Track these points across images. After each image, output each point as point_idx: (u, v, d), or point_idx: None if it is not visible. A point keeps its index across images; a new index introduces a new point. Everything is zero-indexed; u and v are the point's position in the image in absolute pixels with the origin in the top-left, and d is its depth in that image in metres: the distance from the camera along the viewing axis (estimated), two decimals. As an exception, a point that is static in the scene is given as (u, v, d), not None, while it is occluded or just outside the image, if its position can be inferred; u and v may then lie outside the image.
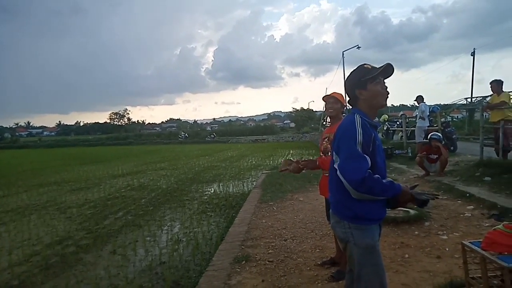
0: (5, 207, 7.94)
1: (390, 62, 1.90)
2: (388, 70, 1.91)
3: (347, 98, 2.05)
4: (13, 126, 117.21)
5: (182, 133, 49.01)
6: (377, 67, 1.93)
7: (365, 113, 1.91)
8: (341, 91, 3.56)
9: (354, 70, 1.98)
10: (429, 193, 1.91)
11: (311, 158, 3.40)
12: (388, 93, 1.92)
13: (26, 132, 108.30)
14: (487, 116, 9.59)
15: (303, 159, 3.31)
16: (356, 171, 1.73)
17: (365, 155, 1.76)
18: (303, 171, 3.29)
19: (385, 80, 1.95)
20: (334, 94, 3.25)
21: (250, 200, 6.69)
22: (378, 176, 1.75)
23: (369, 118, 1.91)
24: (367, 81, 1.89)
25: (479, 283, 2.42)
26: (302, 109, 55.35)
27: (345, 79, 2.02)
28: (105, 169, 15.09)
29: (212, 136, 45.60)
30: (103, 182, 11.19)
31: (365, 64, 1.96)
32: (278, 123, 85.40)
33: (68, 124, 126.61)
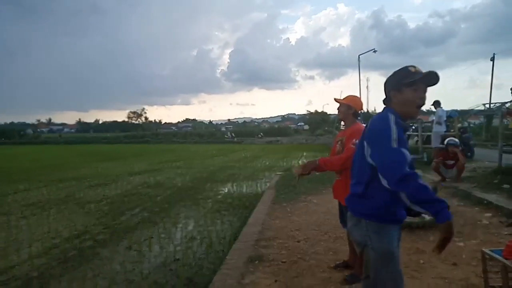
0: (26, 201, 8.18)
1: (434, 70, 1.76)
2: (431, 77, 1.78)
3: (385, 98, 1.92)
4: (35, 123, 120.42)
5: (229, 133, 48.28)
6: (423, 72, 1.79)
7: (397, 112, 1.81)
8: (356, 94, 3.52)
9: (398, 69, 1.87)
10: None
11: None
12: (423, 103, 1.80)
13: (47, 129, 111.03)
14: (506, 123, 9.36)
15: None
16: (396, 167, 1.61)
17: (401, 149, 1.65)
18: (316, 173, 3.26)
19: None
20: (346, 98, 3.23)
21: (263, 201, 6.71)
22: (426, 184, 1.59)
23: (400, 117, 1.80)
24: (403, 85, 1.78)
25: (499, 292, 2.38)
26: (316, 112, 55.00)
27: (388, 77, 1.91)
28: (123, 167, 15.35)
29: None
30: (120, 179, 11.40)
31: (409, 66, 1.82)
32: (292, 125, 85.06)
33: (87, 121, 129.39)
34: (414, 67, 1.80)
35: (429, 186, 1.60)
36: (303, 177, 3.10)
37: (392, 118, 1.75)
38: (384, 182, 1.69)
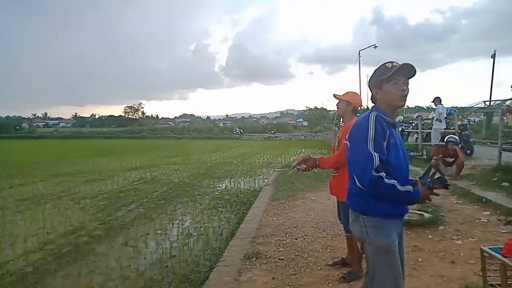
0: (21, 196, 8.11)
1: (408, 62, 1.82)
2: (406, 69, 1.84)
3: (371, 96, 2.00)
4: (31, 117, 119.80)
5: (237, 128, 45.72)
6: (396, 63, 1.86)
7: (384, 110, 1.87)
8: (356, 90, 3.50)
9: (376, 68, 1.93)
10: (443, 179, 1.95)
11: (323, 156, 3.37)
12: (405, 94, 1.85)
13: (43, 123, 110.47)
14: (506, 120, 9.36)
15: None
16: (363, 171, 1.73)
17: (374, 152, 1.73)
18: (315, 170, 3.27)
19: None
20: (345, 94, 3.20)
21: (261, 197, 6.69)
22: (392, 183, 1.71)
23: (388, 115, 1.87)
24: (383, 81, 1.85)
25: (497, 291, 2.36)
26: (316, 108, 55.04)
27: (370, 77, 1.98)
28: (119, 162, 15.29)
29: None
30: (116, 175, 11.34)
31: (386, 62, 1.88)
32: (291, 121, 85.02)
33: (83, 116, 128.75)
34: (391, 62, 1.85)
35: (395, 184, 1.72)
36: (300, 171, 3.13)
37: (373, 117, 1.81)
38: (358, 183, 1.79)
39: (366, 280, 1.92)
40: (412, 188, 1.77)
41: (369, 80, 1.97)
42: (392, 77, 1.82)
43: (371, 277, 1.85)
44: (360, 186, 1.77)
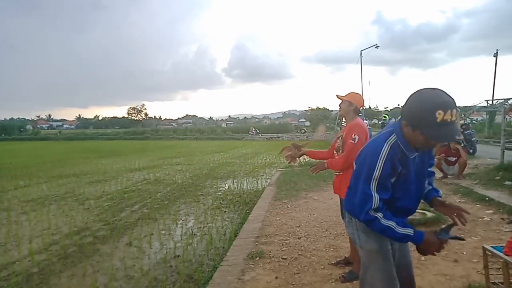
0: (26, 197, 8.18)
1: (456, 134, 1.52)
2: (451, 135, 1.54)
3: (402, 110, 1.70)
4: (35, 119, 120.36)
5: (253, 128, 45.00)
6: (451, 120, 1.49)
7: (405, 140, 1.65)
8: (358, 90, 3.54)
9: (423, 101, 1.54)
10: (457, 235, 1.77)
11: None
12: (431, 146, 1.67)
13: (47, 125, 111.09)
14: (508, 119, 9.33)
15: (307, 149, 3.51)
16: (360, 208, 1.67)
17: (375, 193, 1.63)
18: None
19: None
20: (348, 94, 3.22)
21: (264, 197, 6.70)
22: (388, 225, 1.63)
23: (408, 147, 1.65)
24: (421, 127, 1.54)
25: (500, 289, 2.37)
26: (318, 108, 54.95)
27: (411, 99, 1.59)
28: (122, 163, 15.35)
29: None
30: (120, 175, 11.39)
31: (440, 109, 1.48)
32: (293, 122, 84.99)
33: (87, 117, 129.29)
34: (444, 111, 1.47)
35: (392, 226, 1.63)
36: (294, 161, 3.45)
37: (386, 150, 1.63)
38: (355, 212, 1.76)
39: (359, 282, 1.91)
40: (412, 232, 1.65)
41: (407, 107, 1.61)
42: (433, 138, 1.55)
43: (362, 280, 1.85)
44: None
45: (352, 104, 3.14)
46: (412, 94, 1.60)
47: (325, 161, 3.24)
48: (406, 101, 1.62)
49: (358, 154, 1.82)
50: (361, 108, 3.24)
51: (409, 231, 1.65)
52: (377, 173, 1.62)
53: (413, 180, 1.73)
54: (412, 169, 1.70)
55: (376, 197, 1.64)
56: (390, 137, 1.66)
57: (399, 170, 1.65)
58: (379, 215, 1.64)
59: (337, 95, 3.27)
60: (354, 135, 2.94)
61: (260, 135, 40.17)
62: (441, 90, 1.55)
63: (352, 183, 1.81)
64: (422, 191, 1.84)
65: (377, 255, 1.77)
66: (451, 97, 1.52)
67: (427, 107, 1.50)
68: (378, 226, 1.65)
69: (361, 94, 3.32)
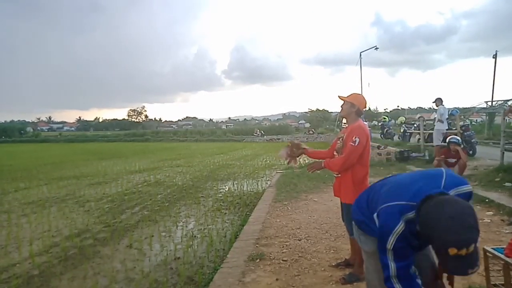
0: (26, 199, 8.18)
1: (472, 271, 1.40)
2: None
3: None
4: (35, 121, 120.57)
5: (258, 130, 44.40)
6: (466, 250, 1.34)
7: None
8: (358, 91, 3.54)
9: (440, 227, 1.38)
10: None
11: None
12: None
13: (47, 127, 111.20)
14: (508, 120, 9.34)
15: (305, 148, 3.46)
16: (384, 275, 1.65)
17: (391, 263, 1.59)
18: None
19: None
20: (350, 96, 3.21)
21: (264, 199, 6.70)
22: (418, 285, 1.62)
23: None
24: (432, 246, 1.48)
25: (501, 291, 2.37)
26: (318, 109, 55.01)
27: (428, 215, 1.44)
28: (123, 165, 15.35)
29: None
30: (120, 177, 11.40)
31: (452, 246, 1.34)
32: (293, 123, 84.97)
33: (87, 119, 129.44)
34: (458, 249, 1.34)
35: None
36: (294, 162, 3.41)
37: (400, 228, 1.55)
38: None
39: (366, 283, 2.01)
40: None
41: (426, 223, 1.45)
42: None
43: (366, 280, 1.95)
44: None
45: (354, 106, 3.11)
46: (431, 210, 1.43)
47: (322, 160, 3.21)
48: (424, 214, 1.46)
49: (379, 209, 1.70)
50: (363, 109, 3.23)
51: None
52: (389, 246, 1.57)
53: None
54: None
55: (392, 266, 1.59)
56: (409, 213, 1.55)
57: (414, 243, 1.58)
58: (398, 286, 1.60)
59: (339, 96, 3.24)
60: (355, 137, 2.93)
61: (265, 136, 39.97)
62: (463, 212, 1.39)
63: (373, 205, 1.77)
64: None
65: (374, 257, 1.79)
66: (473, 225, 1.37)
67: (441, 241, 1.37)
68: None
69: (363, 96, 3.31)
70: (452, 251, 1.33)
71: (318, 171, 3.32)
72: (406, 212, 1.55)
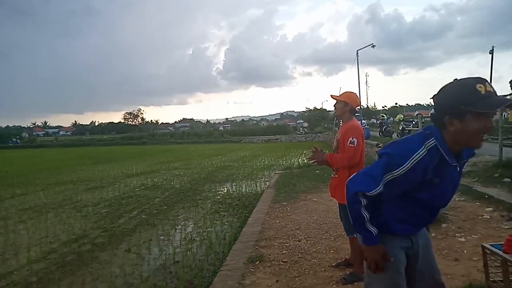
0: (23, 205, 8.12)
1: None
2: (502, 101, 1.38)
3: (433, 115, 1.50)
4: (31, 126, 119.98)
5: (301, 128, 44.68)
6: (494, 91, 1.35)
7: (449, 145, 1.43)
8: (355, 90, 3.50)
9: (459, 84, 1.39)
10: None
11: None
12: (486, 133, 1.42)
13: (43, 132, 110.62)
14: (506, 116, 9.36)
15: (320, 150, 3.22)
16: (354, 186, 1.52)
17: (381, 183, 1.46)
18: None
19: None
20: (343, 94, 3.19)
21: (263, 200, 6.68)
22: (365, 216, 1.51)
23: (449, 154, 1.44)
24: (468, 112, 1.34)
25: (500, 287, 2.36)
26: (315, 108, 55.08)
27: (444, 91, 1.43)
28: (120, 169, 15.29)
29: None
30: (117, 181, 11.34)
31: (479, 82, 1.34)
32: (291, 123, 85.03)
33: (83, 124, 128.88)
34: (483, 84, 1.34)
35: (366, 219, 1.51)
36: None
37: (421, 154, 1.42)
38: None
39: None
40: (375, 232, 1.53)
41: (443, 99, 1.42)
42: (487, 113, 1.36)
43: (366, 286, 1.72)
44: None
45: (347, 104, 3.09)
46: (441, 89, 1.44)
47: (326, 151, 3.11)
48: (439, 97, 1.44)
49: (386, 146, 1.60)
50: (358, 107, 3.21)
51: (374, 230, 1.53)
52: (399, 171, 1.42)
53: (444, 190, 1.53)
54: (449, 179, 1.51)
55: (379, 189, 1.47)
56: (429, 141, 1.44)
57: (428, 178, 1.44)
58: (364, 201, 1.50)
59: (331, 96, 3.22)
60: (353, 138, 2.91)
61: (308, 134, 39.46)
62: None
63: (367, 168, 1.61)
64: (447, 202, 1.64)
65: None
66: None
67: (467, 87, 1.35)
68: (355, 211, 1.52)
69: (356, 93, 3.29)
70: (481, 87, 1.32)
71: (319, 165, 3.24)
72: (426, 139, 1.45)
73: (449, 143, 1.43)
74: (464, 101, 1.33)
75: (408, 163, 1.41)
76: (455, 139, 1.42)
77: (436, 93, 1.46)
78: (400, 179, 1.44)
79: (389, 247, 1.59)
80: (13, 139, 57.53)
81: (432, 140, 1.44)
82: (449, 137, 1.42)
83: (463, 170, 1.66)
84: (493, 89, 1.35)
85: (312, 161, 3.18)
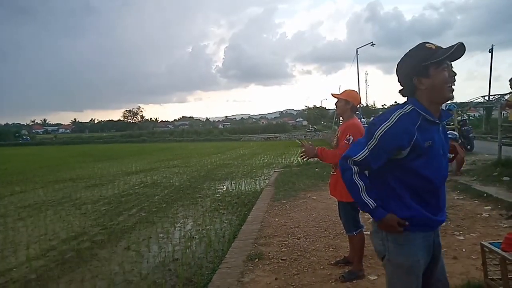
0: (22, 203, 8.12)
1: (462, 42, 1.45)
2: (458, 52, 1.47)
3: (401, 87, 1.61)
4: (30, 124, 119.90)
5: (310, 126, 44.79)
6: (442, 47, 1.49)
7: (424, 106, 1.51)
8: (355, 88, 3.49)
9: (411, 50, 1.54)
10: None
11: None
12: (454, 82, 1.52)
13: (42, 130, 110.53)
14: (505, 115, 9.37)
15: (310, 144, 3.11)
16: (344, 155, 1.59)
17: (366, 148, 1.51)
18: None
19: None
20: (344, 92, 3.18)
21: (262, 198, 6.68)
22: (359, 184, 1.54)
23: (429, 112, 1.51)
24: (429, 66, 1.47)
25: (499, 285, 2.37)
26: (315, 107, 55.10)
27: (400, 62, 1.58)
28: (119, 166, 15.29)
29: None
30: (117, 179, 11.34)
31: (426, 43, 1.51)
32: (290, 121, 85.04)
33: (83, 121, 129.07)
34: (431, 43, 1.51)
35: (360, 187, 1.54)
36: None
37: (398, 114, 1.50)
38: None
39: None
40: (374, 206, 1.53)
41: (404, 66, 1.56)
42: (444, 61, 1.47)
43: None
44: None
45: (348, 103, 3.09)
46: (399, 63, 1.58)
47: (316, 147, 3.00)
48: (400, 68, 1.58)
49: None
50: (358, 106, 3.21)
51: (372, 203, 1.53)
52: (380, 131, 1.48)
53: (437, 156, 1.54)
54: (437, 141, 1.52)
55: (365, 152, 1.51)
56: (406, 106, 1.53)
57: (416, 141, 1.46)
58: (356, 168, 1.54)
59: (332, 94, 3.21)
60: (349, 135, 2.90)
61: (318, 132, 39.33)
62: None
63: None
64: (444, 174, 1.60)
65: (406, 271, 1.55)
66: None
67: (419, 48, 1.52)
68: (348, 178, 1.56)
69: (357, 91, 3.28)
70: (429, 45, 1.49)
71: (311, 159, 3.14)
72: (401, 107, 1.55)
73: (426, 105, 1.52)
74: (423, 57, 1.49)
75: (387, 122, 1.49)
76: (429, 98, 1.52)
77: (396, 70, 1.60)
78: (385, 139, 1.48)
79: (409, 254, 1.55)
80: (23, 136, 57.49)
81: (409, 105, 1.53)
82: (423, 99, 1.52)
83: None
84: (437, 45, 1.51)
85: (303, 157, 3.03)
